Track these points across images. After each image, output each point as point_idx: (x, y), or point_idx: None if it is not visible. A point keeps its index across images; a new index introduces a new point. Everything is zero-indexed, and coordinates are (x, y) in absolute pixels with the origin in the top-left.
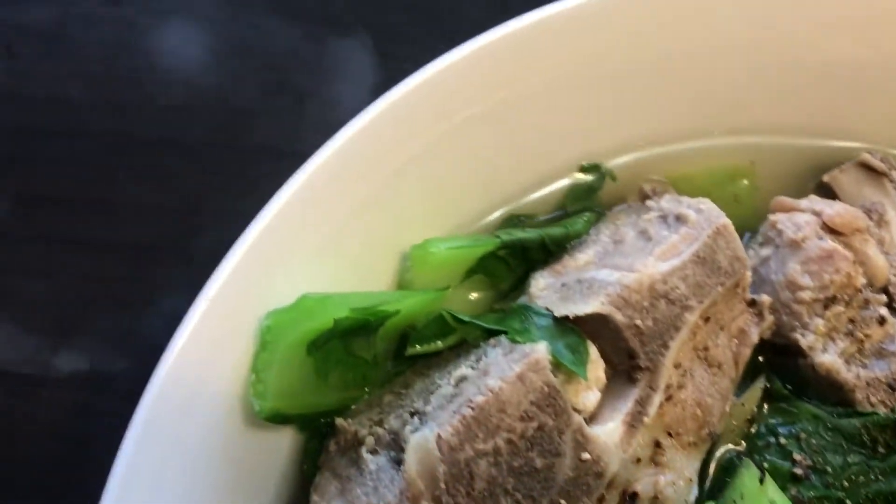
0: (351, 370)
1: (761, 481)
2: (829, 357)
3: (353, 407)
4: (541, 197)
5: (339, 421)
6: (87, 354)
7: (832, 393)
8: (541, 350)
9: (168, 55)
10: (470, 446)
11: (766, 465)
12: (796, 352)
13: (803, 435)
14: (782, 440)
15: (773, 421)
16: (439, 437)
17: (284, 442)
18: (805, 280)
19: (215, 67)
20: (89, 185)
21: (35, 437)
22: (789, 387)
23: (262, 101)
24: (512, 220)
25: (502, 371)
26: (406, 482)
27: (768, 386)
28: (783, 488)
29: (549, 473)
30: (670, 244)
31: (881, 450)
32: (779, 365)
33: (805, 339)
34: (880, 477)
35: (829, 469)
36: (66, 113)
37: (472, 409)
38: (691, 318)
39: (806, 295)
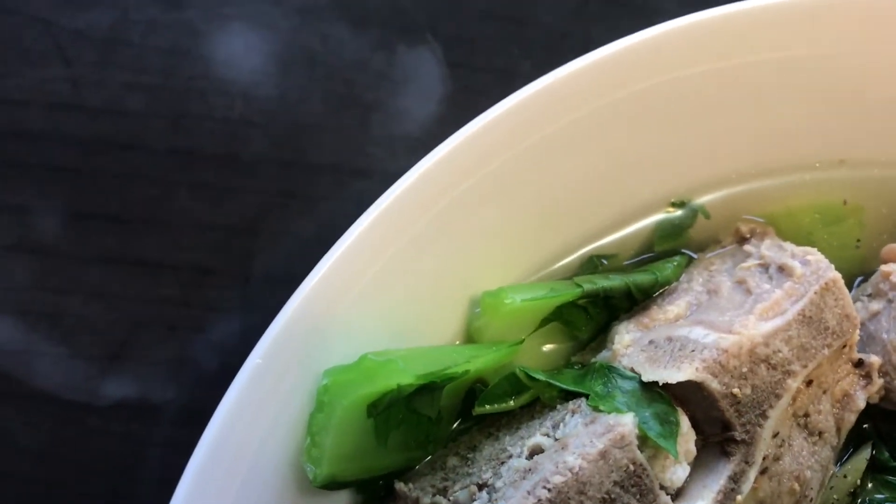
0: (413, 430)
1: None
2: None
3: (414, 468)
4: (625, 236)
5: (399, 486)
6: (137, 381)
7: None
8: (627, 424)
9: (229, 64)
10: None
11: None
12: None
13: None
14: None
15: (879, 497)
16: None
17: None
18: None
19: (278, 78)
20: (144, 200)
21: (82, 465)
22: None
23: (326, 114)
24: (593, 262)
25: (583, 446)
26: None
27: (874, 456)
28: None
29: None
30: (773, 301)
31: None
32: (887, 433)
33: None
34: None
35: None
36: (121, 124)
37: (549, 490)
38: (794, 384)
39: None
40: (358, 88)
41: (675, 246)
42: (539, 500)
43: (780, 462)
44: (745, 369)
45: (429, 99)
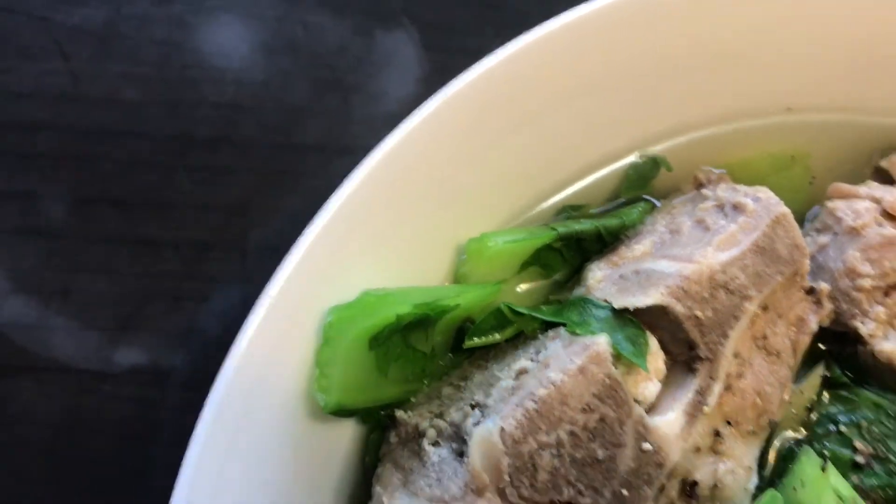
0: (410, 363)
1: (823, 469)
2: (889, 345)
3: (412, 399)
4: (594, 186)
5: (400, 413)
6: (147, 349)
7: (893, 380)
8: (602, 342)
9: (219, 53)
10: (533, 439)
11: (826, 453)
12: (856, 339)
13: (864, 423)
14: (843, 428)
15: (833, 409)
16: (503, 430)
17: (346, 435)
18: (865, 268)
19: (265, 65)
20: (144, 184)
21: (99, 431)
22: (849, 374)
23: (311, 97)
24: (565, 211)
25: (563, 364)
26: (471, 475)
27: (827, 374)
28: (844, 476)
29: (611, 464)
30: (729, 234)
31: None
32: (838, 353)
33: (865, 327)
34: None
35: (892, 457)
36: (120, 113)
37: (535, 402)
38: (750, 307)
39: (866, 283)
40: (340, 72)
41: (641, 194)
42: (526, 410)
43: (743, 379)
44: (705, 294)
45: (407, 80)
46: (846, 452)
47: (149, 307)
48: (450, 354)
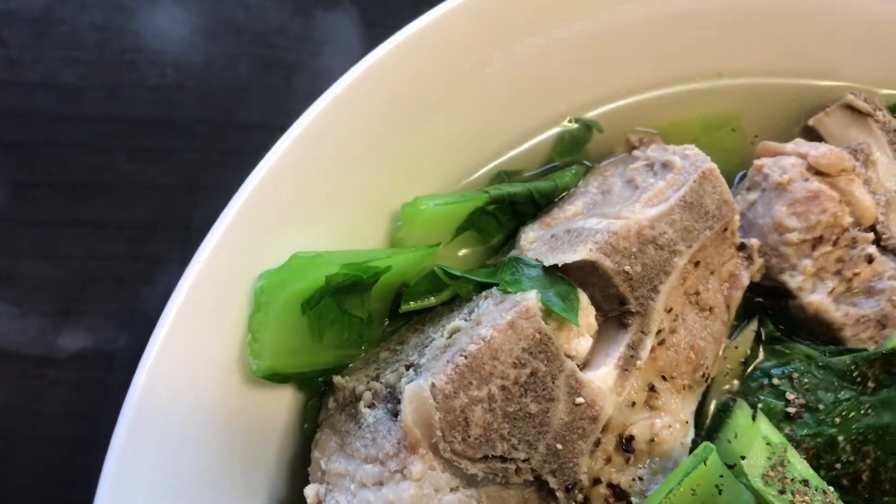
0: (346, 329)
1: (753, 418)
2: (817, 297)
3: (350, 365)
4: (528, 151)
5: (337, 378)
6: (91, 332)
7: (822, 332)
8: (531, 298)
9: (159, 36)
10: (464, 394)
11: (760, 405)
12: (786, 293)
13: (796, 375)
14: (776, 381)
15: (767, 363)
16: (434, 385)
17: (284, 402)
18: (792, 222)
19: (206, 46)
20: (87, 167)
21: (44, 415)
22: (782, 327)
23: (253, 77)
24: (500, 177)
25: (494, 320)
26: (403, 431)
27: (761, 327)
28: (777, 428)
29: (545, 418)
30: (657, 190)
31: (871, 385)
32: (771, 307)
33: (794, 281)
34: (870, 412)
35: (822, 406)
36: (60, 97)
37: (466, 357)
38: (680, 262)
39: (794, 237)
40: (281, 51)
41: (574, 159)
42: (457, 365)
43: (676, 334)
44: (634, 249)
45: (347, 57)
46: (779, 404)
47: (92, 290)
48: (388, 321)
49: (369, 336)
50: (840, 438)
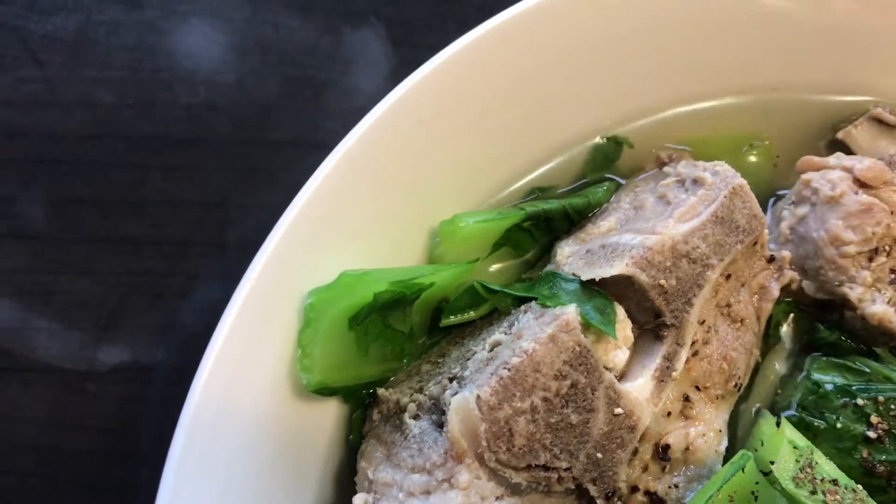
0: (390, 343)
1: (778, 425)
2: (879, 307)
3: (392, 378)
4: (560, 167)
5: (381, 391)
6: (129, 347)
7: (883, 342)
8: (571, 312)
9: (190, 56)
10: (508, 405)
11: (839, 425)
12: (843, 305)
13: (882, 399)
14: (860, 401)
15: (841, 380)
16: (479, 397)
17: (330, 414)
18: (848, 235)
19: (236, 65)
20: (122, 184)
21: (85, 428)
22: (843, 337)
23: (282, 95)
24: (533, 193)
25: (535, 334)
26: (450, 442)
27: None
28: (853, 449)
29: (585, 428)
30: (689, 206)
31: None
32: (821, 320)
33: (854, 293)
34: None
35: None
36: (95, 116)
37: (509, 370)
38: (713, 275)
39: (851, 249)
40: (310, 70)
41: (606, 175)
42: (501, 378)
43: (709, 346)
44: (668, 263)
45: (375, 75)
46: (858, 427)
47: (130, 305)
48: (428, 335)
49: (411, 349)
50: None
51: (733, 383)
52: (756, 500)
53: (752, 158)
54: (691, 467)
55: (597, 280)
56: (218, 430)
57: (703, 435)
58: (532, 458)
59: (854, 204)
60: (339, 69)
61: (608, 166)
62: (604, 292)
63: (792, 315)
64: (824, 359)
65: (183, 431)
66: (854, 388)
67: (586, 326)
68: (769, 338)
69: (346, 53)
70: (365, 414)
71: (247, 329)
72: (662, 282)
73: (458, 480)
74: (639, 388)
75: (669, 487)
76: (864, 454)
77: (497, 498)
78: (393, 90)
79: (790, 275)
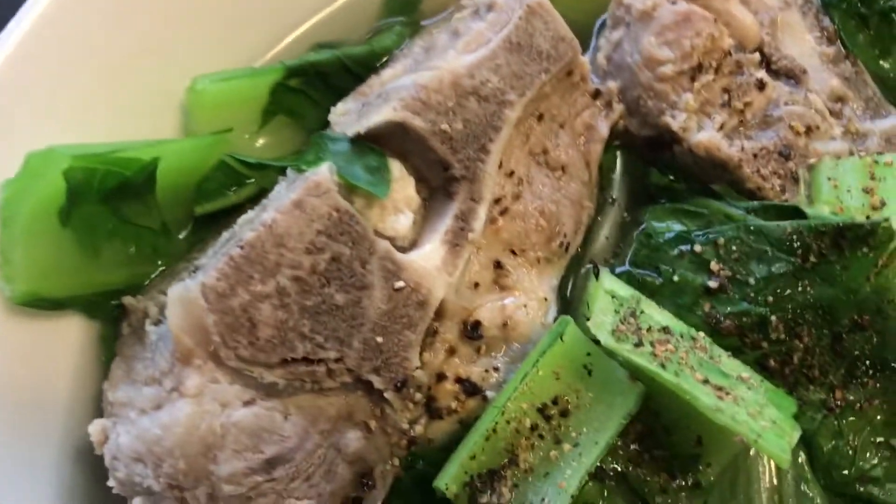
0: (133, 242)
1: (596, 275)
2: (706, 134)
3: (147, 284)
4: (345, 14)
5: (128, 299)
6: None
7: (717, 175)
8: (322, 172)
9: None
10: (244, 290)
11: (676, 278)
12: (670, 138)
13: (722, 241)
14: (698, 247)
15: (680, 228)
16: (203, 284)
17: (72, 334)
18: (663, 52)
19: None
20: None
21: None
22: (671, 177)
23: None
24: (315, 50)
25: (278, 201)
26: (173, 341)
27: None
28: (694, 304)
29: (357, 309)
30: (475, 33)
31: (812, 259)
32: (654, 161)
33: (676, 121)
34: (809, 288)
35: (752, 281)
36: None
37: (242, 247)
38: (512, 114)
39: (667, 69)
40: None
41: (407, 22)
42: (231, 258)
43: (521, 200)
44: (450, 104)
45: None
46: (696, 277)
47: None
48: (193, 230)
49: (167, 249)
50: (772, 317)
51: (557, 242)
52: (590, 374)
53: None
54: (514, 345)
55: (363, 133)
56: None
57: (524, 306)
58: (287, 351)
59: (668, 15)
60: None
61: (409, 10)
62: (378, 149)
63: (621, 160)
64: (660, 205)
65: None
66: (692, 234)
67: (351, 189)
68: (605, 188)
69: None
70: (116, 329)
71: None
72: (445, 126)
73: (186, 386)
74: (425, 255)
75: (487, 371)
76: (707, 308)
77: (245, 403)
78: None
79: (620, 109)
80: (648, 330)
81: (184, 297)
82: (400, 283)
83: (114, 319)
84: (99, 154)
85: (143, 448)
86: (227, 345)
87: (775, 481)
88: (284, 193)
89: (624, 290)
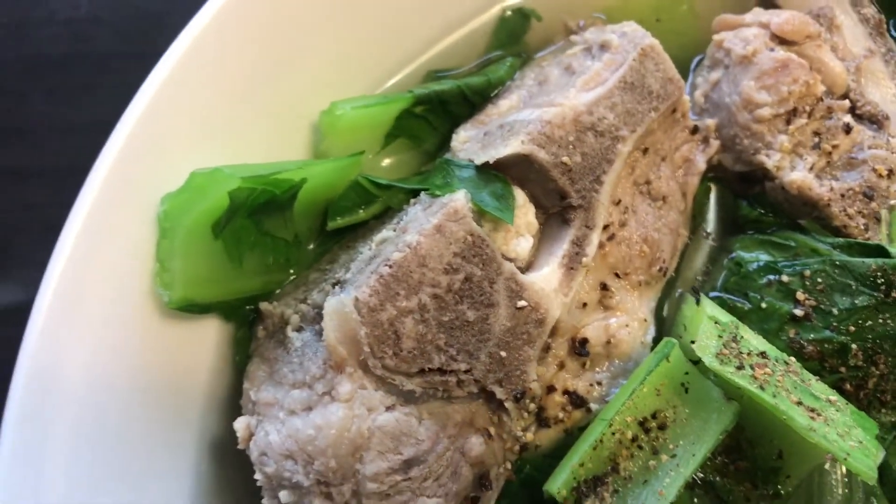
0: (270, 252)
1: (697, 302)
2: (798, 174)
3: (278, 291)
4: (458, 46)
5: (265, 305)
6: (22, 285)
7: (806, 212)
8: (459, 199)
9: None
10: (392, 305)
11: (763, 305)
12: (762, 176)
13: (808, 273)
14: (785, 278)
15: (767, 256)
16: (357, 299)
17: (210, 335)
18: (762, 96)
19: None
20: (2, 111)
21: None
22: (762, 211)
23: (170, 1)
24: (431, 77)
25: (420, 225)
26: (327, 350)
27: (741, 213)
28: (780, 330)
29: (484, 325)
30: (593, 73)
31: (894, 294)
32: (745, 195)
33: (771, 160)
34: (889, 321)
35: (835, 311)
36: None
37: (391, 266)
38: (624, 149)
39: (765, 112)
40: None
41: (512, 52)
42: (381, 276)
43: (626, 227)
44: (571, 138)
45: None
46: (784, 305)
47: (22, 239)
48: (318, 242)
49: (298, 259)
50: (853, 345)
51: (657, 267)
52: (686, 392)
53: (678, 23)
54: (616, 362)
55: (493, 163)
56: (65, 360)
57: (626, 326)
58: (425, 362)
59: (768, 62)
60: None
61: (515, 42)
62: (502, 176)
63: (714, 193)
64: (749, 236)
65: (24, 365)
66: (779, 264)
67: (481, 214)
68: (697, 217)
69: None
70: (250, 332)
71: (89, 250)
72: (565, 159)
73: (339, 392)
74: (544, 277)
75: (591, 385)
76: (791, 334)
77: (388, 408)
78: None
79: (716, 145)
80: (748, 354)
81: (339, 310)
82: (522, 303)
83: (247, 322)
84: (262, 176)
85: (296, 446)
86: (375, 355)
87: (847, 494)
88: (423, 217)
89: (724, 317)
